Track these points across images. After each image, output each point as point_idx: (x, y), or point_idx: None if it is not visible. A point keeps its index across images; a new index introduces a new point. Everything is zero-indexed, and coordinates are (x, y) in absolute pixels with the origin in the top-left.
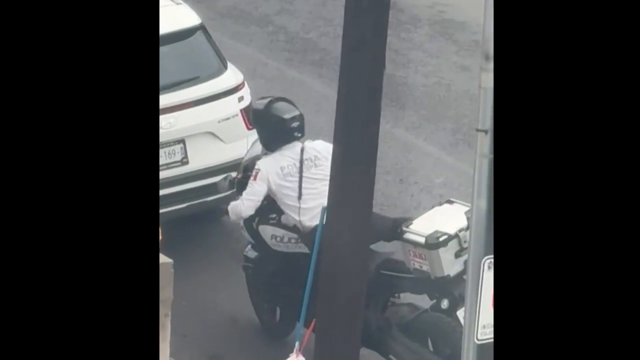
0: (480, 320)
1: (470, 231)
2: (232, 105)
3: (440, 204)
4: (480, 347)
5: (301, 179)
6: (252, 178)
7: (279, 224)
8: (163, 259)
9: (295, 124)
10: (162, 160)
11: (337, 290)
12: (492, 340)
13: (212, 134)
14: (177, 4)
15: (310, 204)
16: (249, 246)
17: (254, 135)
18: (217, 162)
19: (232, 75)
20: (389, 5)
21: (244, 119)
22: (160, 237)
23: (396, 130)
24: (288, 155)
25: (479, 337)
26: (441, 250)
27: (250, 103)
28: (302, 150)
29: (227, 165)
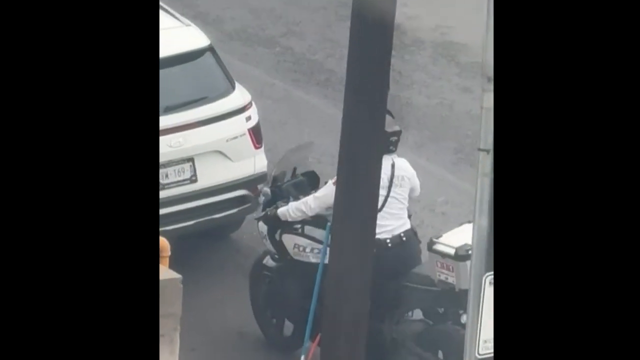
0: (482, 335)
1: (472, 248)
2: (240, 125)
3: (470, 221)
4: None
5: (388, 196)
6: (333, 180)
7: (303, 234)
8: (171, 274)
9: (394, 139)
10: (172, 178)
11: (342, 306)
12: (492, 355)
13: (221, 152)
14: (187, 25)
15: (383, 222)
16: (268, 256)
17: (261, 153)
18: (225, 180)
19: (240, 96)
20: (393, 28)
21: (251, 138)
22: (169, 254)
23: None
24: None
25: (480, 351)
26: (469, 262)
27: (258, 122)
28: (392, 166)
29: (235, 183)
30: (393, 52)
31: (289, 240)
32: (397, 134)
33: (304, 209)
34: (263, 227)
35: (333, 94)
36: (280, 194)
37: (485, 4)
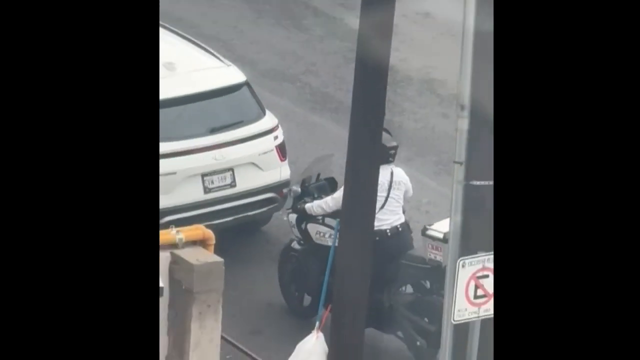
0: (456, 305)
1: (449, 238)
2: (269, 143)
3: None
4: (456, 327)
5: (388, 196)
6: None
7: (324, 223)
8: (216, 258)
9: (392, 152)
10: (216, 183)
11: (347, 281)
12: (466, 321)
13: (254, 164)
14: (228, 65)
15: (384, 217)
16: (295, 241)
17: (285, 165)
18: (257, 185)
19: (269, 120)
20: (387, 68)
21: (278, 153)
22: (214, 242)
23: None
24: (381, 175)
25: (455, 318)
26: None
27: (283, 141)
28: (391, 173)
29: (265, 188)
30: (387, 87)
31: (313, 229)
32: (395, 148)
33: (324, 207)
34: (292, 218)
35: (342, 119)
36: (307, 193)
37: (459, 49)
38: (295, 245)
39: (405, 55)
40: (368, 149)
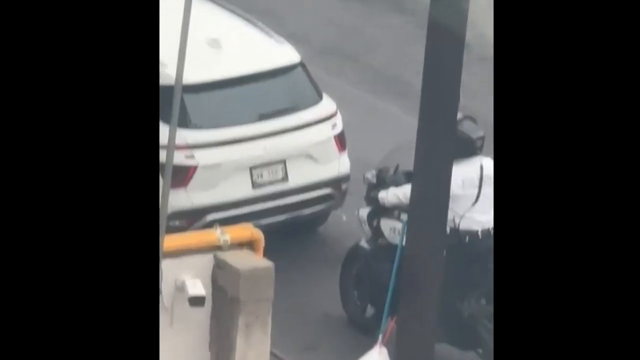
0: None
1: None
2: (327, 131)
3: None
4: None
5: (479, 193)
6: None
7: (399, 218)
8: (265, 263)
9: (479, 144)
10: (266, 177)
11: (414, 288)
12: None
13: (309, 155)
14: (280, 43)
15: (476, 216)
16: (363, 239)
17: (344, 157)
18: (313, 180)
19: (326, 105)
20: (463, 46)
21: (336, 143)
22: (263, 245)
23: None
24: (469, 169)
25: None
26: None
27: (342, 129)
28: (481, 167)
29: (321, 183)
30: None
31: (386, 225)
32: (482, 138)
33: (400, 196)
34: (363, 212)
35: (409, 103)
36: (382, 184)
37: None
38: (363, 244)
39: (484, 30)
40: (441, 139)
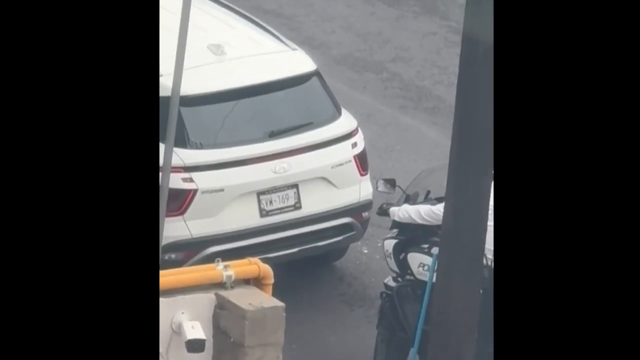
0: None
1: None
2: (346, 151)
3: None
4: None
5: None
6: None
7: (429, 254)
8: (275, 302)
9: None
10: (276, 204)
11: (445, 329)
12: None
13: (325, 179)
14: (293, 49)
15: None
16: (390, 277)
17: (366, 180)
18: (329, 208)
19: (346, 121)
20: None
21: (357, 165)
22: (272, 281)
23: None
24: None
25: None
26: None
27: (364, 149)
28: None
29: (339, 211)
30: None
31: (414, 260)
32: None
33: (413, 215)
34: (389, 245)
35: (441, 120)
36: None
37: None
38: (389, 282)
39: None
40: (477, 160)
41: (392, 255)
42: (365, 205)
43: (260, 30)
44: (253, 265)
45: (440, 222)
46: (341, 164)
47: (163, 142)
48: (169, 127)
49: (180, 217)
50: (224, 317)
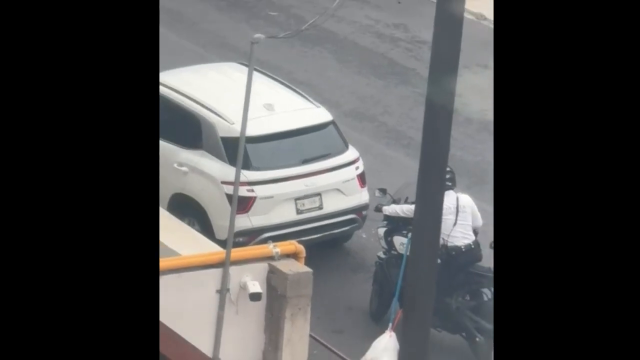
0: None
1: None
2: (351, 172)
3: None
4: None
5: (457, 219)
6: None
7: (406, 236)
8: (306, 269)
9: (448, 176)
10: (307, 206)
11: (416, 288)
12: None
13: (339, 190)
14: (317, 107)
15: (458, 235)
16: (382, 251)
17: (364, 191)
18: (341, 208)
19: (351, 153)
20: (452, 111)
21: (358, 181)
22: (304, 255)
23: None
24: (447, 201)
25: None
26: None
27: (363, 171)
28: (457, 199)
29: (347, 210)
30: (452, 126)
31: (397, 240)
32: (450, 173)
33: (398, 210)
34: (381, 231)
35: (412, 152)
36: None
37: None
38: (381, 255)
39: (467, 100)
40: (435, 178)
41: (383, 238)
42: (364, 206)
43: (295, 94)
44: (292, 245)
45: (411, 215)
46: (348, 180)
47: (234, 165)
48: (238, 156)
49: (245, 215)
50: (274, 279)
